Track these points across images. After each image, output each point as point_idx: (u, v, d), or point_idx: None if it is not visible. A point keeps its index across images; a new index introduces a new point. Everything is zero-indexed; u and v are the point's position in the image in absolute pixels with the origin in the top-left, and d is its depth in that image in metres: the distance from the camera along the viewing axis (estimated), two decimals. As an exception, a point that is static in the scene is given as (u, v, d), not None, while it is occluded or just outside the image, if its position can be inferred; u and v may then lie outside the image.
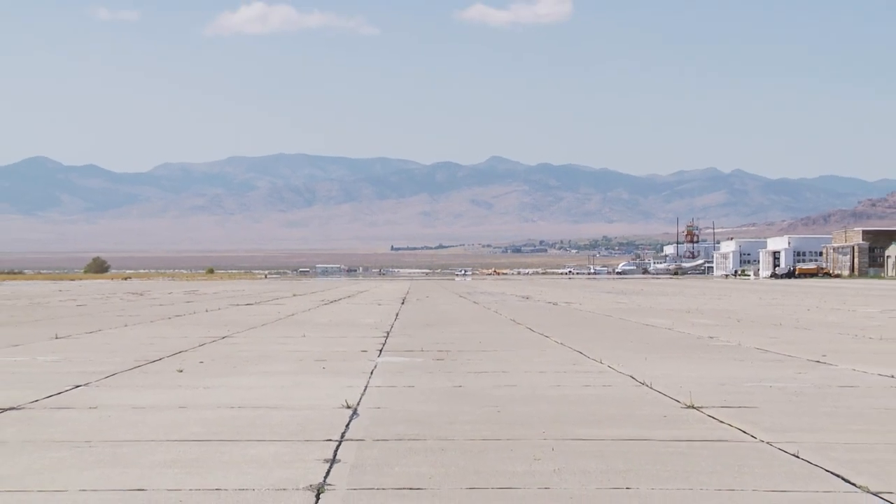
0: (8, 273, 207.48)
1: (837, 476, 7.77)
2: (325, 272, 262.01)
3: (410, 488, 7.33)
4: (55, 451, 8.80)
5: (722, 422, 10.31)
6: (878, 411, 11.08)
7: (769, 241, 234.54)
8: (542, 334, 23.79)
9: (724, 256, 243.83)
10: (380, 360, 17.17)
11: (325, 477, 7.67)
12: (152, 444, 9.06)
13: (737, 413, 10.85)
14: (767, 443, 9.14)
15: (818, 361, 16.74)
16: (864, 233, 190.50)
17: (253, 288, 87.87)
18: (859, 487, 7.39)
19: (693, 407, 11.25)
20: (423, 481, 7.54)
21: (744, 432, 9.69)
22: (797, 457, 8.49)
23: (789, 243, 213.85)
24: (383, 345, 20.54)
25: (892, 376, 14.40)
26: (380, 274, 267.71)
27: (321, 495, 7.11)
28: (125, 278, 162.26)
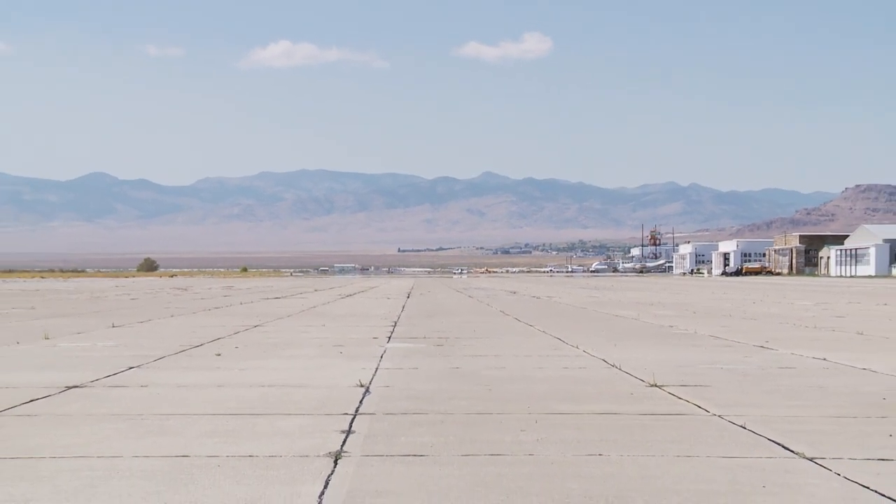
0: (72, 271, 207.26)
1: (778, 444, 7.78)
2: (342, 271, 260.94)
3: (415, 455, 7.34)
4: (112, 422, 8.82)
5: (680, 398, 10.32)
6: (813, 389, 11.10)
7: (720, 244, 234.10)
8: (527, 324, 23.79)
9: (682, 257, 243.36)
10: (388, 345, 17.18)
11: (342, 445, 7.68)
12: (195, 418, 9.08)
13: (693, 391, 10.86)
14: (719, 416, 9.15)
15: (762, 347, 16.76)
16: (801, 237, 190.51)
17: (280, 284, 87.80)
18: (796, 453, 7.41)
19: (656, 385, 11.27)
20: (426, 449, 7.55)
21: (699, 407, 9.70)
22: (744, 428, 8.50)
23: (737, 246, 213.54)
24: (392, 333, 20.55)
25: (825, 359, 14.43)
26: (388, 272, 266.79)
27: (339, 461, 7.12)
28: (171, 276, 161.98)
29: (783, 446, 7.69)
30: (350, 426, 8.55)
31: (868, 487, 6.37)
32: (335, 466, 6.93)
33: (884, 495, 6.17)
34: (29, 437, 8.13)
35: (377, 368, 13.22)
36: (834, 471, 6.84)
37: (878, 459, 7.22)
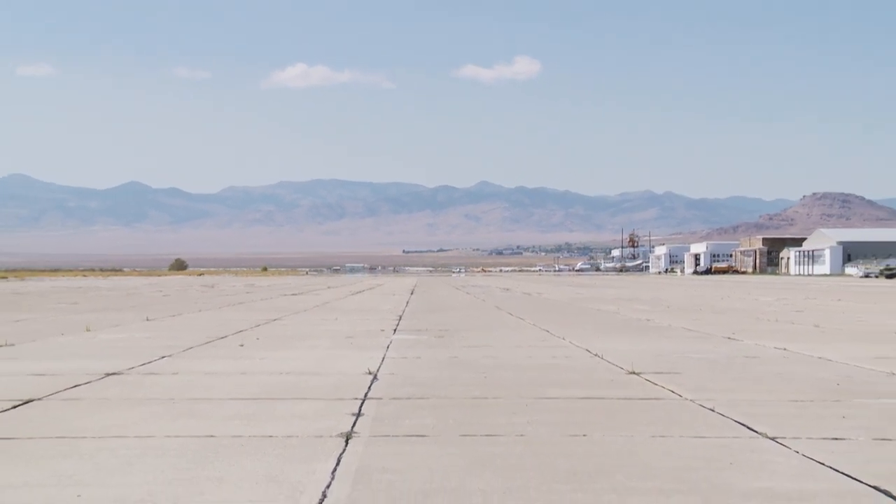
0: (111, 271, 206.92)
1: (743, 425, 7.79)
2: (352, 270, 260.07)
3: (418, 435, 7.34)
4: (147, 406, 8.82)
5: (656, 384, 10.32)
6: (774, 376, 11.10)
7: (692, 246, 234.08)
8: (518, 317, 23.78)
9: (658, 258, 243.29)
10: (394, 337, 17.17)
11: (353, 427, 7.68)
12: (221, 402, 9.07)
13: (668, 378, 10.86)
14: (691, 400, 9.15)
15: (729, 338, 16.76)
16: (764, 240, 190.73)
17: (297, 282, 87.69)
18: (760, 434, 7.41)
19: (634, 373, 11.27)
20: (427, 430, 7.55)
21: (673, 392, 9.70)
22: (713, 411, 8.50)
23: (707, 248, 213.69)
24: (397, 325, 20.53)
25: (785, 349, 14.43)
26: (394, 271, 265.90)
27: (349, 441, 7.12)
28: (200, 274, 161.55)
29: (748, 427, 7.69)
30: (360, 410, 8.55)
31: (823, 464, 6.38)
32: (346, 446, 6.92)
33: (837, 471, 6.18)
34: (72, 419, 8.13)
35: (384, 358, 13.21)
36: (793, 449, 6.85)
37: (833, 439, 7.23)
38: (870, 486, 5.81)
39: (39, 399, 9.27)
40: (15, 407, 8.78)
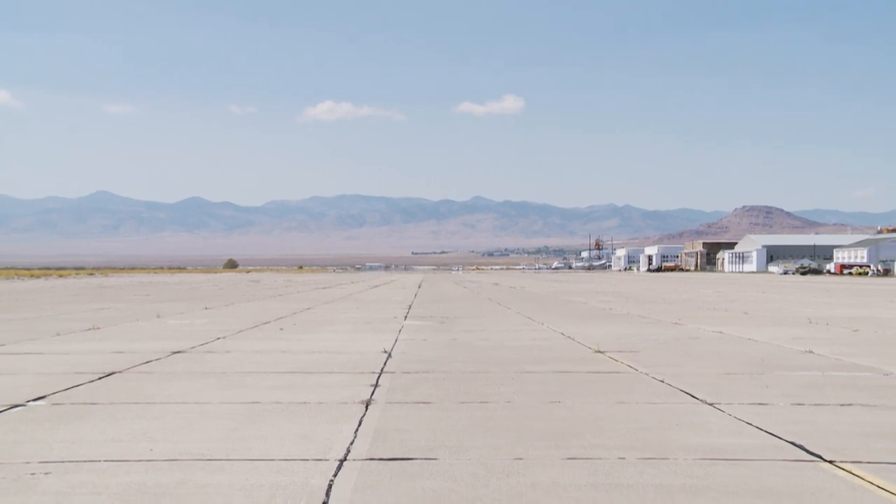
0: (176, 269, 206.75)
1: (687, 393, 7.79)
2: (371, 268, 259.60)
3: (424, 402, 7.35)
4: (205, 378, 8.83)
5: (617, 360, 10.32)
6: (712, 353, 11.11)
7: (646, 248, 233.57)
8: (506, 307, 23.76)
9: (619, 258, 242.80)
10: (405, 323, 17.16)
11: (371, 395, 7.69)
12: (264, 374, 9.08)
13: (627, 355, 10.87)
14: (645, 373, 9.16)
15: (676, 323, 16.75)
16: (704, 244, 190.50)
17: (326, 278, 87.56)
18: (700, 400, 7.42)
19: (600, 351, 11.27)
20: (432, 398, 7.56)
21: (631, 367, 9.70)
22: (663, 382, 8.51)
23: (658, 250, 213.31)
24: (407, 313, 20.52)
25: (721, 332, 14.43)
26: (405, 269, 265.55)
27: (369, 407, 7.13)
28: (247, 272, 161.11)
29: (691, 395, 7.69)
30: (377, 382, 8.56)
31: (750, 423, 6.40)
32: (366, 411, 6.94)
33: (762, 430, 6.20)
34: (145, 388, 8.14)
35: (396, 339, 13.21)
36: (727, 412, 6.86)
37: (758, 404, 7.24)
38: (788, 441, 5.84)
39: (119, 372, 9.29)
40: (100, 378, 8.80)
